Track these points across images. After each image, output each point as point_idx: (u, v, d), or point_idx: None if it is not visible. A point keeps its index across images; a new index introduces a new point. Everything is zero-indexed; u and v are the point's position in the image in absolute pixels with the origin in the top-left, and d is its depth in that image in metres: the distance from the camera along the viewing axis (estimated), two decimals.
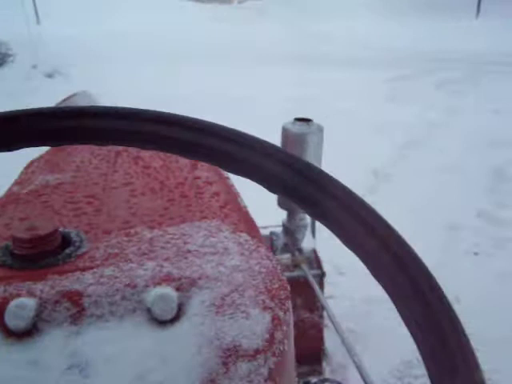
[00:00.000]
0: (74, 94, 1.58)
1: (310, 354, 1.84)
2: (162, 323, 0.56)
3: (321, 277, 1.68)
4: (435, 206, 3.46)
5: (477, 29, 12.73)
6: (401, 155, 4.49)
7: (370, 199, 2.81)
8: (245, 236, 0.70)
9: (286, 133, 1.41)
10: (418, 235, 3.17)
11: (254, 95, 6.53)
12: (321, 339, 1.87)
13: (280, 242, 1.62)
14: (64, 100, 1.54)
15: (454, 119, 5.75)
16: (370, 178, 3.94)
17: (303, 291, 1.64)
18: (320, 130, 1.40)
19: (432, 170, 4.08)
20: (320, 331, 1.85)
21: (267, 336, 0.55)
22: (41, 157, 1.13)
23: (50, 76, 8.37)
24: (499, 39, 11.13)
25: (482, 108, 6.11)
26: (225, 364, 0.52)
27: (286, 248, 1.63)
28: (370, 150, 4.51)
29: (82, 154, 1.10)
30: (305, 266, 1.59)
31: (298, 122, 1.40)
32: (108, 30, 13.53)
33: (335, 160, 4.20)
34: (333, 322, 1.32)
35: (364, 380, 1.14)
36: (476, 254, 2.92)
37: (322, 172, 0.39)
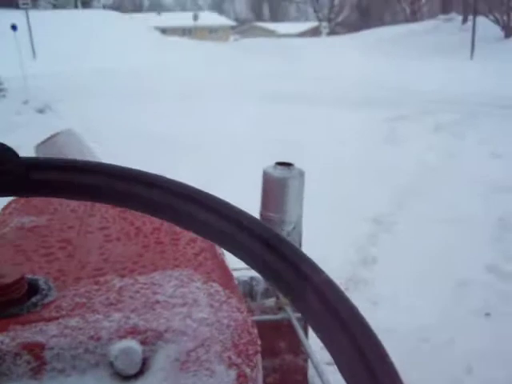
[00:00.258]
0: (58, 133, 1.52)
1: None
2: (126, 378, 0.54)
3: (305, 320, 1.46)
4: (440, 259, 3.27)
5: (472, 69, 12.82)
6: (402, 204, 4.31)
7: (372, 251, 2.61)
8: (216, 286, 0.68)
9: (266, 177, 1.39)
10: (424, 292, 3.05)
11: (240, 138, 6.40)
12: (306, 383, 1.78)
13: (260, 287, 1.58)
14: (48, 138, 1.48)
15: (454, 163, 5.63)
16: (370, 228, 3.75)
17: (287, 334, 1.59)
18: (301, 174, 1.38)
19: (435, 221, 3.89)
20: (305, 375, 1.76)
21: None
22: (20, 198, 1.09)
23: (40, 111, 8.31)
24: (494, 81, 11.19)
25: (481, 152, 6.00)
26: None
27: (267, 293, 1.59)
28: (370, 199, 4.34)
29: None
30: (289, 309, 1.54)
31: (279, 167, 1.39)
32: (104, 67, 13.58)
33: (333, 209, 4.15)
34: (316, 368, 1.28)
35: None
36: (488, 314, 2.72)
37: (296, 250, 0.38)
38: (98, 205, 1.02)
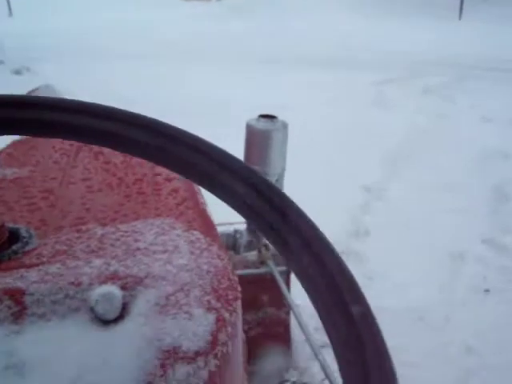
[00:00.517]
0: (37, 88, 1.53)
1: (278, 351, 1.79)
2: (105, 323, 0.55)
3: (287, 273, 1.63)
4: (433, 230, 3.12)
5: (460, 30, 12.53)
6: (392, 170, 4.13)
7: (364, 219, 2.42)
8: (197, 234, 0.69)
9: (250, 129, 1.38)
10: (420, 265, 2.89)
11: (224, 99, 6.14)
12: (288, 336, 1.80)
13: (244, 239, 1.57)
14: (28, 93, 1.45)
15: (445, 127, 5.44)
16: (362, 196, 3.57)
17: (270, 288, 1.60)
18: (284, 126, 1.37)
19: (427, 188, 3.72)
20: (287, 328, 1.79)
21: (209, 337, 0.54)
22: (1, 151, 1.09)
23: (17, 73, 7.94)
24: (483, 42, 10.92)
25: (472, 116, 5.81)
26: (163, 366, 0.51)
27: (250, 246, 1.59)
28: (359, 164, 4.15)
29: (43, 149, 1.07)
30: (271, 263, 1.55)
31: (263, 119, 1.37)
32: (82, 25, 13.11)
33: (323, 175, 3.96)
34: (298, 320, 1.30)
35: (328, 378, 1.15)
36: (487, 290, 2.57)
37: (281, 194, 0.39)
38: (80, 156, 1.01)
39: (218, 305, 0.57)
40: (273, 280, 1.52)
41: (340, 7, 16.46)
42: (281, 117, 1.37)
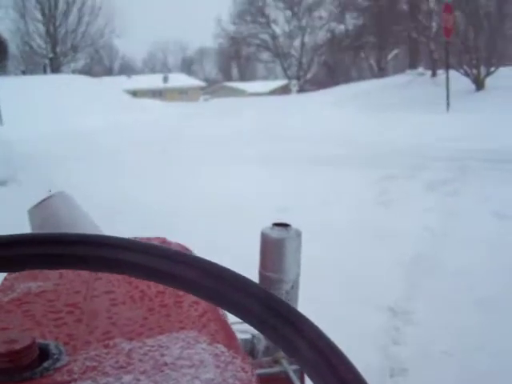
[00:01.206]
0: (51, 196, 1.49)
1: None
2: None
3: (301, 372, 1.55)
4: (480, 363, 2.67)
5: (450, 122, 12.62)
6: (414, 284, 3.71)
7: (397, 352, 1.94)
8: (221, 347, 0.71)
9: (264, 238, 1.43)
10: None
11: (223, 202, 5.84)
12: None
13: (261, 345, 1.57)
14: (41, 202, 1.45)
15: (456, 227, 5.11)
16: (386, 319, 3.13)
17: None
18: (298, 234, 1.43)
19: (458, 305, 3.30)
20: None
21: None
22: None
23: (2, 184, 7.64)
24: (474, 134, 10.93)
25: (482, 211, 5.51)
26: None
27: (267, 351, 1.58)
28: (375, 276, 3.76)
29: None
30: (285, 362, 1.53)
31: (277, 227, 1.42)
32: (75, 129, 13.12)
33: (335, 290, 3.58)
34: None
35: None
36: None
37: (295, 311, 0.42)
38: None
39: None
40: (287, 379, 1.50)
41: (328, 106, 16.79)
42: (285, 220, 1.41)
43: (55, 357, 0.66)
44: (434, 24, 23.40)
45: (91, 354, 0.68)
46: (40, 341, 0.67)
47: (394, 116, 13.58)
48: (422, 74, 22.68)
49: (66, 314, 0.83)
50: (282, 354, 1.55)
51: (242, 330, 0.97)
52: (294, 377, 1.48)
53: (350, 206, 5.96)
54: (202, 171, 8.09)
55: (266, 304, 0.42)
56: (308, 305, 1.30)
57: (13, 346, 0.61)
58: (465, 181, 6.97)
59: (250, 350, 1.54)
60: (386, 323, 3.04)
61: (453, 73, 16.72)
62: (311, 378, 0.39)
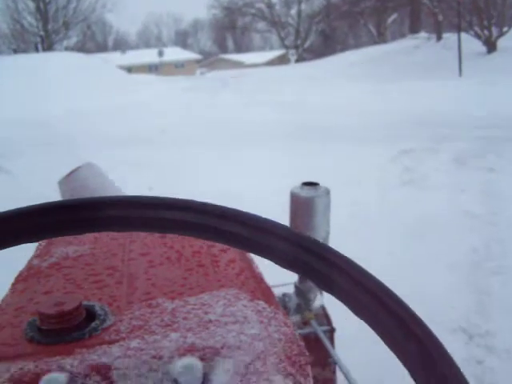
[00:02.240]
0: (79, 167, 1.51)
1: None
2: None
3: (331, 332, 1.63)
4: None
5: (464, 87, 11.92)
6: (483, 295, 3.09)
7: None
8: (262, 304, 0.72)
9: (294, 197, 1.45)
10: None
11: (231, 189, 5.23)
12: None
13: (292, 303, 1.63)
14: (70, 173, 1.48)
15: (501, 210, 4.49)
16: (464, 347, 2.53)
17: (314, 348, 1.57)
18: (327, 192, 1.44)
19: None
20: None
21: None
22: None
23: None
24: (493, 98, 10.25)
25: None
26: None
27: (298, 308, 1.63)
28: (428, 282, 3.16)
29: None
30: (314, 323, 1.58)
31: (306, 187, 1.44)
32: (67, 109, 12.46)
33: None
34: (346, 377, 1.32)
35: None
36: None
37: (328, 248, 0.44)
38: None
39: (293, 370, 0.60)
40: (316, 340, 1.54)
41: (333, 75, 16.04)
42: None
43: (101, 317, 0.67)
44: None
45: (136, 313, 0.69)
46: (86, 302, 0.69)
47: (403, 83, 12.84)
48: (428, 39, 21.76)
49: (107, 277, 0.83)
50: (311, 315, 1.61)
51: (273, 285, 0.90)
52: (324, 338, 1.52)
53: (374, 188, 5.33)
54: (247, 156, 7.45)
55: (312, 248, 0.44)
56: None
57: (61, 307, 0.63)
58: (498, 153, 6.31)
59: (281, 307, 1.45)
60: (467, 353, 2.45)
61: (463, 35, 15.96)
62: (354, 309, 0.40)
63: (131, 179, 4.45)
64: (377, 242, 3.76)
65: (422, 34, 25.06)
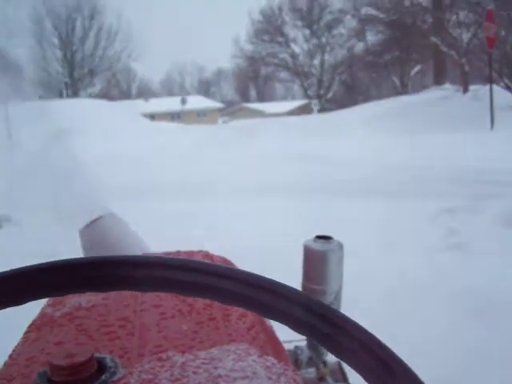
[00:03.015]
0: (100, 217, 1.48)
1: None
2: None
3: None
4: None
5: (498, 140, 11.39)
6: None
7: None
8: (271, 359, 0.72)
9: (307, 250, 1.44)
10: None
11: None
12: None
13: (304, 356, 1.58)
14: (91, 222, 1.47)
15: None
16: None
17: None
18: (340, 246, 1.43)
19: None
20: None
21: None
22: None
23: None
24: None
25: None
26: None
27: (310, 362, 1.59)
28: None
29: None
30: (330, 379, 1.57)
31: (319, 240, 1.43)
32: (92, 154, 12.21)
33: None
34: None
35: None
36: None
37: (340, 314, 0.45)
38: None
39: None
40: None
41: (357, 127, 15.65)
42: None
43: (112, 370, 0.67)
44: (463, 36, 22.23)
45: (146, 366, 0.69)
46: (97, 354, 0.68)
47: (433, 136, 12.37)
48: (457, 90, 21.36)
49: (118, 328, 0.83)
50: (326, 371, 1.60)
51: (285, 341, 0.91)
52: None
53: (414, 251, 4.77)
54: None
55: (321, 313, 0.44)
56: None
57: (72, 359, 0.63)
58: None
59: (293, 361, 1.52)
60: None
61: (493, 87, 15.53)
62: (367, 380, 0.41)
63: None
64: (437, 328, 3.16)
65: (447, 86, 24.74)
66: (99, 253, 1.45)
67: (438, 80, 30.71)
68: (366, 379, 0.40)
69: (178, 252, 1.19)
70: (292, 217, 5.86)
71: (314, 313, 0.44)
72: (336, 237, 1.33)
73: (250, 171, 9.93)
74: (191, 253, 1.15)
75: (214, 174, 9.81)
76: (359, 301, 3.12)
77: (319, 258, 1.43)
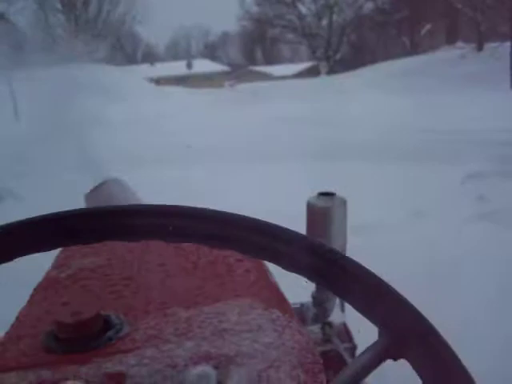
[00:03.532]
0: (105, 182, 1.51)
1: None
2: None
3: (352, 350, 1.62)
4: None
5: None
6: None
7: None
8: (276, 312, 0.72)
9: (310, 207, 1.45)
10: None
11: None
12: None
13: (310, 313, 1.61)
14: (96, 187, 1.50)
15: None
16: None
17: (334, 365, 1.55)
18: (343, 203, 1.44)
19: None
20: None
21: None
22: None
23: None
24: None
25: None
26: None
27: (316, 319, 1.60)
28: None
29: None
30: (336, 340, 1.56)
31: (322, 197, 1.44)
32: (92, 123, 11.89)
33: None
34: None
35: None
36: None
37: (342, 256, 0.44)
38: (152, 242, 0.88)
39: (307, 378, 0.60)
40: (338, 357, 1.52)
41: (371, 88, 15.17)
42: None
43: (117, 326, 0.67)
44: None
45: (151, 323, 0.69)
46: (102, 312, 0.69)
47: (453, 97, 11.89)
48: (472, 49, 20.65)
49: (123, 287, 0.83)
50: (332, 331, 1.60)
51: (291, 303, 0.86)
52: (345, 355, 1.54)
53: (446, 221, 4.45)
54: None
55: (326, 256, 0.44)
56: None
57: (79, 317, 0.63)
58: None
59: (298, 318, 1.28)
60: None
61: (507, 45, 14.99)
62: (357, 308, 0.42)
63: None
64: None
65: (460, 44, 24.03)
66: None
67: (451, 39, 29.90)
68: (370, 319, 0.42)
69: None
70: (312, 183, 5.54)
71: (316, 253, 0.44)
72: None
73: (260, 136, 9.60)
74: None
75: (222, 137, 9.50)
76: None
77: (322, 214, 1.44)
